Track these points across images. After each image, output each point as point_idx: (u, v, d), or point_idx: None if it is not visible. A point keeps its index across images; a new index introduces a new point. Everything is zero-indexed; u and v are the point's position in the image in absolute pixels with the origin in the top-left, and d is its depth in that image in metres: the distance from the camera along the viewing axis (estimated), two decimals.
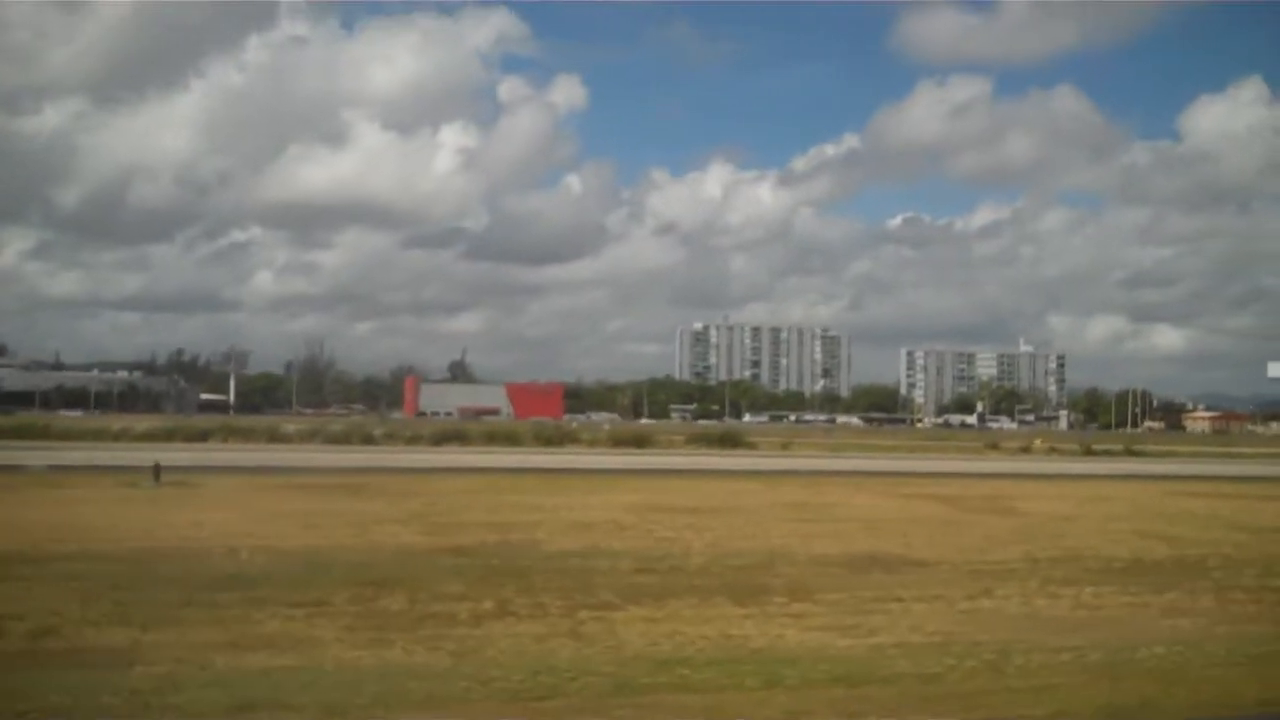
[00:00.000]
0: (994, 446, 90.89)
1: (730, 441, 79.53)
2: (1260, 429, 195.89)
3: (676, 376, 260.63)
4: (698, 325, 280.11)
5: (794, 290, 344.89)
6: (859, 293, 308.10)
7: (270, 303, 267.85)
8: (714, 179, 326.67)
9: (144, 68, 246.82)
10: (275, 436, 68.21)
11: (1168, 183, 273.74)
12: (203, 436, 66.80)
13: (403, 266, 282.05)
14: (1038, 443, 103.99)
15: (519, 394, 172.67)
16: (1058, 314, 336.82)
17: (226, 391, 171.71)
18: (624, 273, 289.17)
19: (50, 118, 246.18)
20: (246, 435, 68.13)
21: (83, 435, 63.67)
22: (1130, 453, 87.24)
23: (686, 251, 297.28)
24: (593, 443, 74.68)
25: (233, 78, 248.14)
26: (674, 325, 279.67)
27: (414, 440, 68.97)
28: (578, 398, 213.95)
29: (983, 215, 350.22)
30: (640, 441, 75.95)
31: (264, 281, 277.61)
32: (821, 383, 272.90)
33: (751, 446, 77.68)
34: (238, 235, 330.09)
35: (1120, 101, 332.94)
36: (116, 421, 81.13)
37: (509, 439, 72.42)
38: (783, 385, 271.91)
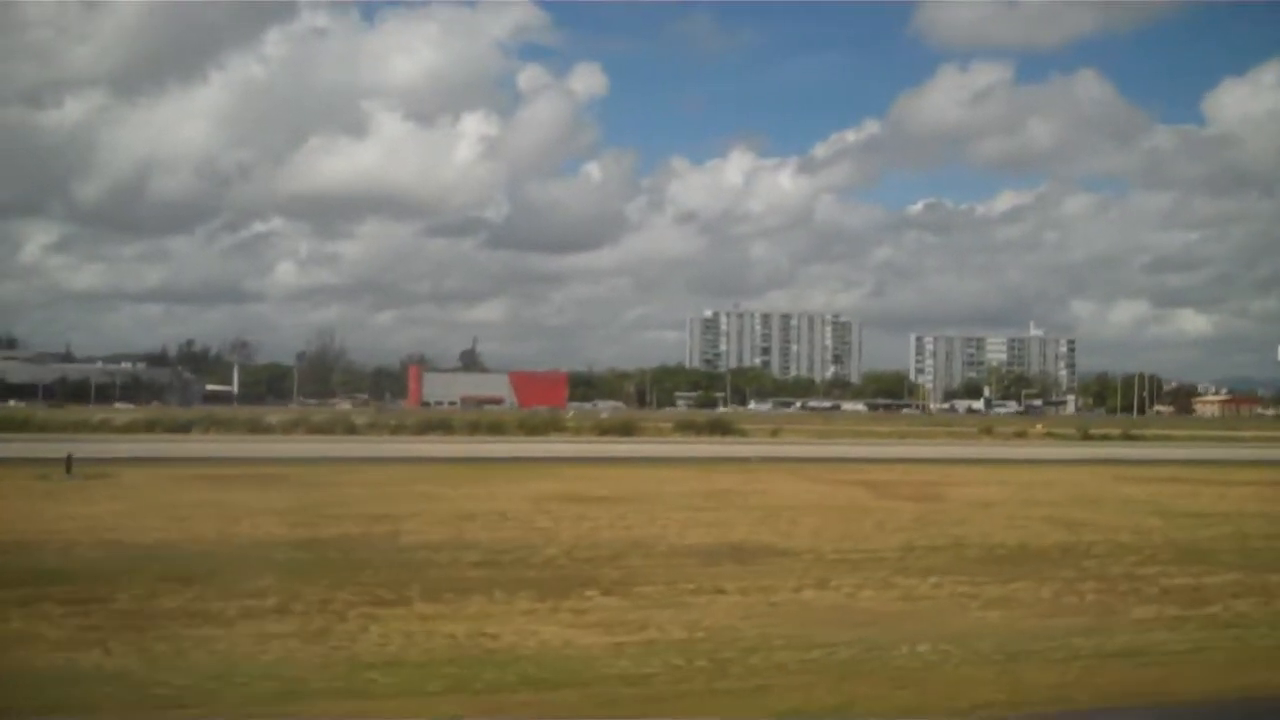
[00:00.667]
0: (989, 431, 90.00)
1: (718, 429, 79.02)
2: (1272, 412, 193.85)
3: (687, 364, 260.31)
4: (708, 312, 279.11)
5: (816, 277, 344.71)
6: (880, 279, 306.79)
7: (292, 294, 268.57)
8: (734, 167, 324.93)
9: (165, 61, 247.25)
10: (256, 428, 68.06)
11: (1192, 167, 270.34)
12: (184, 428, 66.42)
13: (424, 256, 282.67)
14: (1038, 427, 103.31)
15: (523, 383, 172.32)
16: (1081, 299, 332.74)
17: (234, 383, 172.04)
18: (644, 261, 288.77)
19: (72, 111, 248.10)
20: (227, 426, 67.76)
21: (62, 427, 63.45)
22: (1128, 437, 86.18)
23: (707, 239, 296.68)
24: (578, 431, 74.28)
25: (253, 70, 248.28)
26: (695, 313, 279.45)
27: (397, 430, 68.62)
28: (589, 385, 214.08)
29: (1005, 201, 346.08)
30: (626, 430, 75.51)
31: (286, 273, 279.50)
32: (832, 369, 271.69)
33: (740, 433, 77.04)
34: (259, 227, 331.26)
35: (1143, 86, 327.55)
36: (105, 413, 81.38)
37: (494, 428, 72.01)
38: (793, 372, 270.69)
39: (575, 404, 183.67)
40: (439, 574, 14.57)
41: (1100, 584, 14.59)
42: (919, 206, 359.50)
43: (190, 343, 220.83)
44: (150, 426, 65.99)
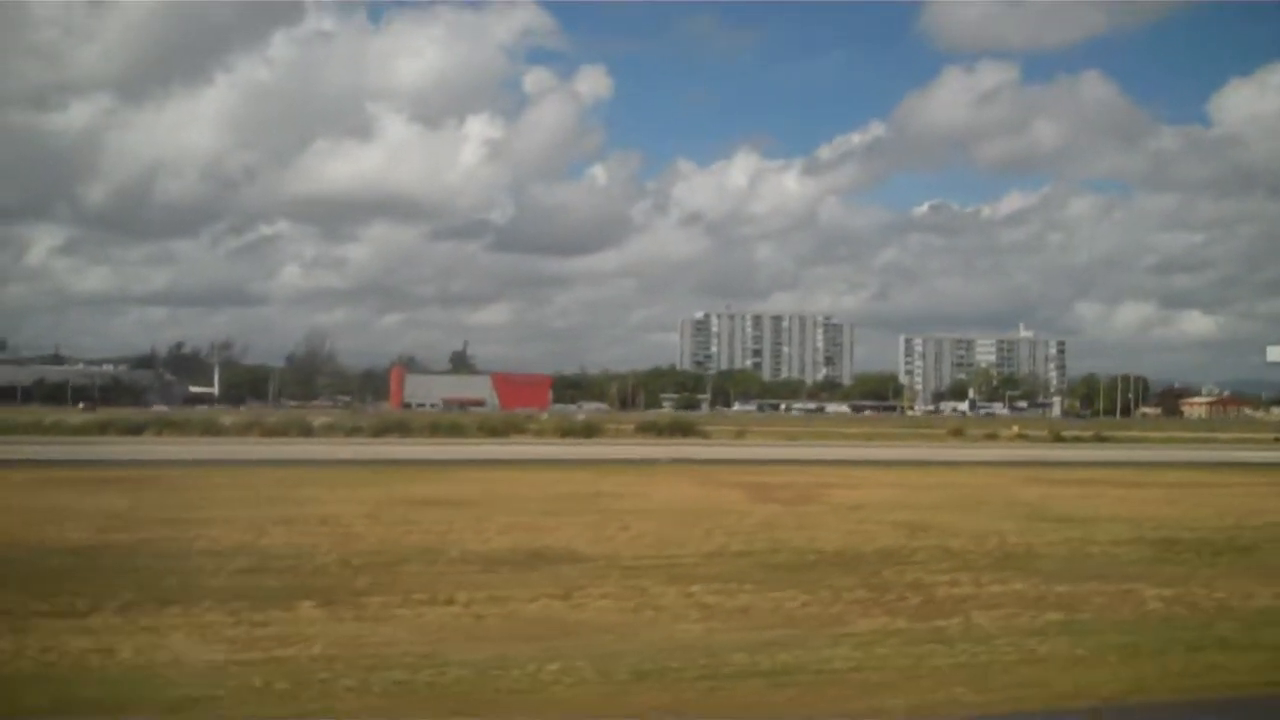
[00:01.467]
0: (958, 433, 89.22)
1: (679, 430, 78.47)
2: (1261, 414, 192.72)
3: (679, 366, 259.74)
4: (699, 314, 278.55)
5: (820, 279, 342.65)
6: (885, 281, 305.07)
7: (297, 297, 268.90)
8: (740, 169, 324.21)
9: (171, 63, 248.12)
10: (209, 429, 67.43)
11: (1197, 168, 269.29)
12: (137, 430, 65.96)
13: (429, 259, 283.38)
14: (1014, 429, 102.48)
15: (505, 385, 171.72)
16: (1086, 301, 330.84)
17: (214, 384, 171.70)
18: (649, 263, 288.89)
19: (78, 114, 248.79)
20: (181, 429, 67.16)
21: (13, 429, 62.95)
22: (1099, 439, 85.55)
23: (712, 241, 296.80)
24: (539, 433, 73.71)
25: (259, 72, 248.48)
26: (687, 315, 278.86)
27: (352, 432, 67.91)
28: (578, 388, 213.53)
29: (1010, 202, 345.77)
30: (588, 432, 74.98)
31: (291, 276, 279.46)
32: (824, 371, 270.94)
33: (701, 435, 76.75)
34: (264, 230, 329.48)
35: (1149, 86, 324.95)
36: (65, 415, 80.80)
37: (452, 430, 71.59)
38: (784, 374, 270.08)
39: (561, 406, 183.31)
40: (178, 581, 13.92)
41: (868, 592, 13.92)
42: (924, 208, 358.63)
43: (180, 345, 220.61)
44: (104, 428, 65.48)
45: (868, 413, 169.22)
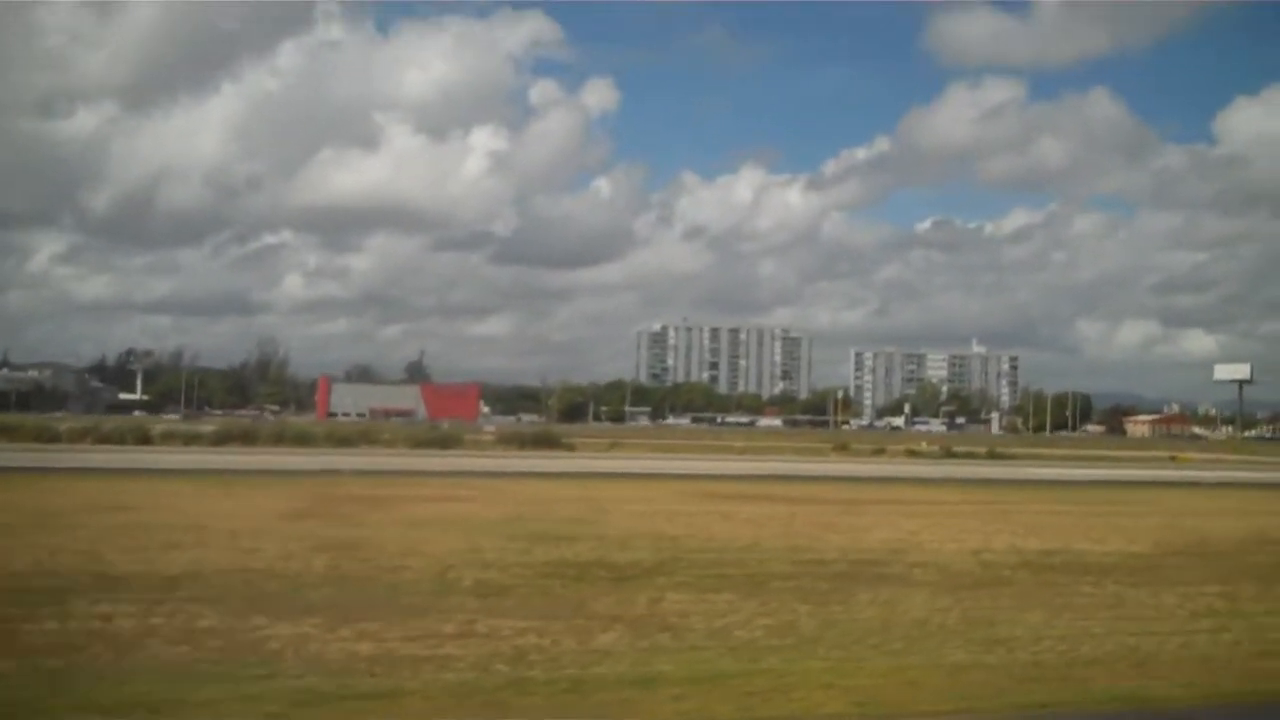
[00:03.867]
0: (843, 448, 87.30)
1: (543, 443, 76.59)
2: (1208, 433, 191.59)
3: (637, 378, 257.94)
4: (656, 326, 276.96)
5: (822, 295, 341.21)
6: (886, 297, 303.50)
7: (299, 306, 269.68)
8: (745, 183, 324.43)
9: (177, 72, 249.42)
10: (40, 436, 65.38)
11: (1202, 187, 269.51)
12: None
13: (432, 270, 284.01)
14: (923, 445, 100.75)
15: (433, 395, 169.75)
16: (1088, 319, 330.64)
17: (137, 391, 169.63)
18: (652, 276, 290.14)
19: (83, 121, 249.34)
20: (12, 435, 65.09)
21: None
22: (992, 456, 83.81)
23: (715, 255, 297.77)
24: (391, 444, 71.73)
25: (266, 82, 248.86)
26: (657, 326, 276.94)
27: (191, 440, 65.90)
28: (535, 400, 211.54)
29: (1014, 220, 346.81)
30: (445, 444, 73.17)
31: (293, 285, 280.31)
32: (781, 385, 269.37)
33: (567, 448, 74.87)
34: (268, 239, 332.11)
35: (1155, 104, 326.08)
36: None
37: (299, 439, 69.49)
38: (741, 387, 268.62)
39: (503, 417, 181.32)
40: None
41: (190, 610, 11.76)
42: (927, 224, 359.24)
43: (130, 351, 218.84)
44: None
45: (805, 428, 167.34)
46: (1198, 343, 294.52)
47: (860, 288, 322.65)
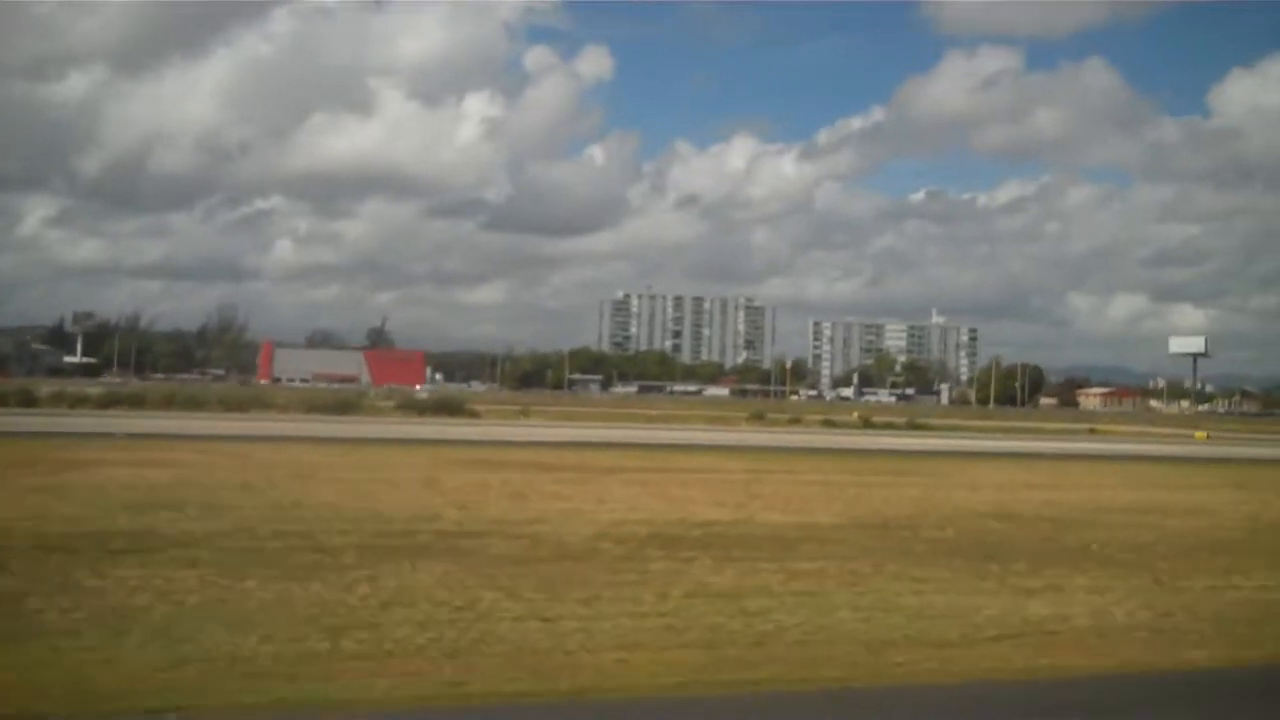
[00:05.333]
0: (758, 418, 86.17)
1: (446, 409, 75.39)
2: (1163, 407, 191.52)
3: (600, 346, 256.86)
4: (619, 294, 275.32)
5: (815, 264, 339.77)
6: (880, 267, 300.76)
7: (290, 272, 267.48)
8: (738, 152, 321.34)
9: (170, 36, 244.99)
10: None
11: (1196, 159, 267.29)
12: None
13: (424, 237, 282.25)
14: (854, 415, 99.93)
15: (377, 361, 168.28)
16: (1080, 292, 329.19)
17: (77, 353, 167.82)
18: (645, 245, 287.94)
19: (75, 85, 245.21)
20: None
21: None
22: (913, 427, 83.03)
23: (708, 225, 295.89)
24: (285, 409, 70.33)
25: (259, 46, 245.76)
26: (606, 295, 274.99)
27: (78, 403, 64.44)
28: (495, 365, 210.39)
29: (1008, 191, 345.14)
30: (343, 409, 71.77)
31: (284, 250, 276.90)
32: (744, 354, 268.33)
33: (470, 415, 73.81)
34: (260, 204, 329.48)
35: (1150, 76, 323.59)
36: None
37: (190, 403, 68.00)
38: (705, 356, 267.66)
39: (454, 384, 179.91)
40: None
41: None
42: (921, 195, 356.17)
43: (88, 314, 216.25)
44: None
45: (752, 397, 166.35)
46: (1188, 317, 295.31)
47: (854, 258, 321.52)
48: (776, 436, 55.91)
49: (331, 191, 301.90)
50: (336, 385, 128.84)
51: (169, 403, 68.12)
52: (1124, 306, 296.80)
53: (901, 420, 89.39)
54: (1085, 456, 43.88)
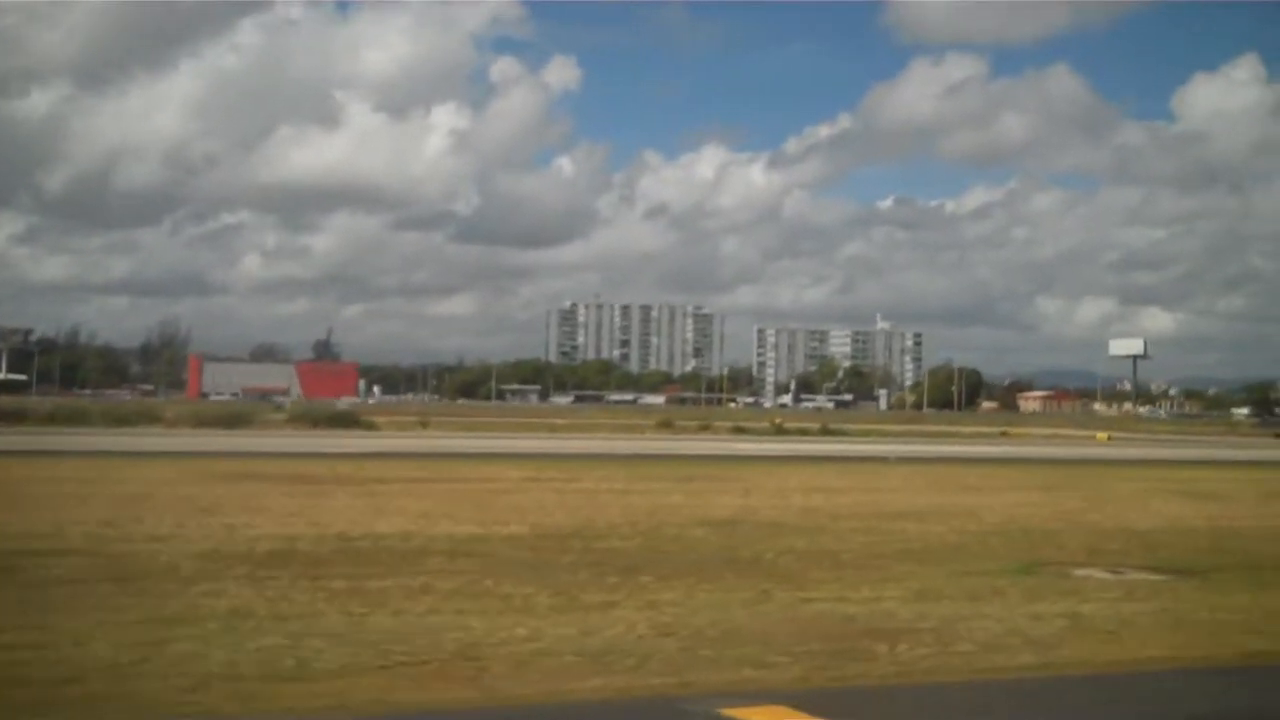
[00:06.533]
0: (666, 425, 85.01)
1: (342, 422, 73.69)
2: (1105, 409, 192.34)
3: (547, 357, 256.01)
4: (566, 304, 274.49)
5: (785, 273, 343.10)
6: (849, 275, 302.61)
7: (259, 286, 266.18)
8: (707, 161, 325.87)
9: (135, 50, 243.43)
10: None
11: (1161, 163, 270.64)
12: None
13: (393, 249, 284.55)
14: (776, 421, 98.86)
15: (309, 374, 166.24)
16: (1048, 296, 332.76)
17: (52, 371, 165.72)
18: (615, 255, 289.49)
19: (38, 101, 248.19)
20: None
21: None
22: (826, 432, 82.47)
23: (678, 234, 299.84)
24: (173, 423, 68.52)
25: (225, 59, 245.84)
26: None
27: None
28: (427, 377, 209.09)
29: (975, 197, 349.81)
30: (232, 422, 69.88)
31: (252, 265, 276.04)
32: (693, 362, 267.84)
33: (368, 427, 72.19)
34: (227, 218, 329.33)
35: (1115, 81, 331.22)
36: None
37: (73, 418, 66.09)
38: (653, 365, 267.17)
39: (390, 396, 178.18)
40: None
41: None
42: (889, 202, 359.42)
43: (16, 330, 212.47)
44: None
45: (689, 405, 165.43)
46: (1155, 320, 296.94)
47: (824, 265, 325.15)
48: (650, 444, 54.57)
49: (299, 205, 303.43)
50: (272, 399, 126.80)
51: (51, 418, 66.27)
52: (1092, 310, 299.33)
53: (816, 426, 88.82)
54: (940, 459, 42.90)
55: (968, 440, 71.73)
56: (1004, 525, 19.58)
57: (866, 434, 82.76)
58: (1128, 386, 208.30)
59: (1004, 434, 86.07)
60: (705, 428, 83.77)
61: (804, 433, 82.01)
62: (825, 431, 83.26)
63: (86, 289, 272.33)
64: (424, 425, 77.07)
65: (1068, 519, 20.24)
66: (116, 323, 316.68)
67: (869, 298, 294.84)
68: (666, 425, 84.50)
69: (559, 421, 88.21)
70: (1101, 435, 78.79)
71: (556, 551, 15.02)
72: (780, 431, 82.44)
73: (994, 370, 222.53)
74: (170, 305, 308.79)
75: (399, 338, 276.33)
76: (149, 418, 69.82)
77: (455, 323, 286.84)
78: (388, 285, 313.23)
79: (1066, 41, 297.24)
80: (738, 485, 26.48)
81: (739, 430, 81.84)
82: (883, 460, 38.49)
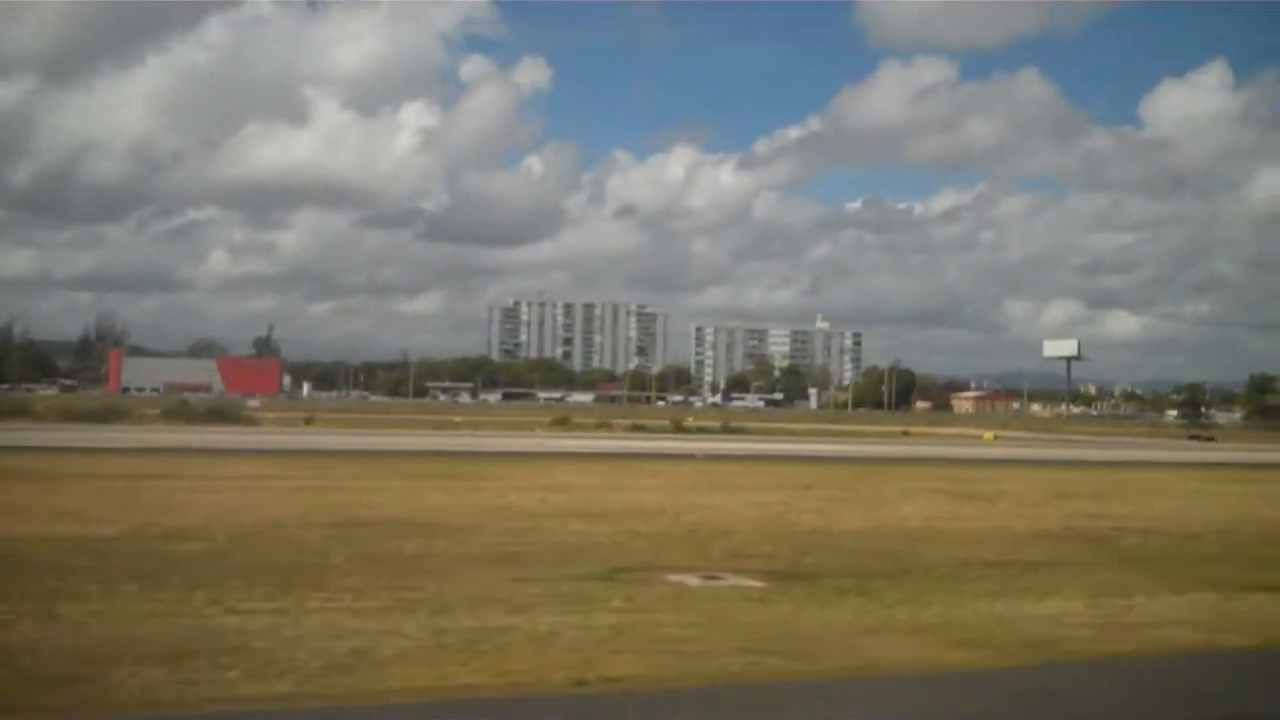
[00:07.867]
0: (562, 423, 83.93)
1: (218, 418, 72.27)
2: (1041, 410, 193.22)
3: (490, 354, 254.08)
4: (509, 301, 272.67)
5: (754, 274, 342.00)
6: (818, 276, 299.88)
7: (225, 283, 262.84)
8: (677, 162, 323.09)
9: (102, 44, 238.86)
10: None
11: (1128, 168, 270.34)
12: None
13: (360, 247, 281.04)
14: (689, 420, 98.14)
15: (231, 369, 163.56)
16: (1015, 299, 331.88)
17: None
18: (584, 255, 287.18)
19: (4, 94, 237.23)
20: None
21: None
22: (727, 430, 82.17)
23: (647, 235, 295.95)
24: (42, 418, 66.95)
25: (193, 55, 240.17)
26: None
27: None
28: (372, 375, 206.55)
29: (943, 200, 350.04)
30: (101, 417, 68.45)
31: (219, 261, 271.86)
32: (636, 361, 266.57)
33: (249, 422, 71.31)
34: (193, 214, 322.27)
35: (1084, 87, 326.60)
36: None
37: None
38: (596, 363, 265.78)
39: (321, 393, 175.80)
40: None
41: None
42: (858, 204, 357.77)
43: None
44: None
45: (618, 403, 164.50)
46: (1121, 324, 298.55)
47: (792, 268, 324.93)
48: (497, 441, 53.90)
49: (266, 201, 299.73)
50: (194, 394, 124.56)
51: None
52: (1058, 313, 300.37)
53: (718, 425, 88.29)
54: (761, 457, 42.38)
55: (870, 439, 71.46)
56: (694, 526, 18.82)
57: (768, 433, 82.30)
58: (1092, 390, 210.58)
59: (905, 433, 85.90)
60: (602, 425, 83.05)
61: (704, 431, 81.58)
62: (726, 430, 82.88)
63: (52, 284, 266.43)
64: (307, 422, 75.88)
65: (755, 520, 19.47)
66: (82, 318, 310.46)
67: (837, 299, 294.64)
68: (562, 423, 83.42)
69: (457, 419, 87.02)
70: (988, 435, 78.71)
71: (120, 556, 13.99)
72: (680, 430, 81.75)
73: (960, 372, 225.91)
74: (136, 301, 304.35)
75: (365, 335, 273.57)
76: (22, 412, 68.37)
77: (422, 321, 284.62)
78: (355, 283, 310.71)
79: (1035, 46, 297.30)
80: (477, 484, 25.66)
81: (637, 428, 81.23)
82: (689, 458, 37.80)
